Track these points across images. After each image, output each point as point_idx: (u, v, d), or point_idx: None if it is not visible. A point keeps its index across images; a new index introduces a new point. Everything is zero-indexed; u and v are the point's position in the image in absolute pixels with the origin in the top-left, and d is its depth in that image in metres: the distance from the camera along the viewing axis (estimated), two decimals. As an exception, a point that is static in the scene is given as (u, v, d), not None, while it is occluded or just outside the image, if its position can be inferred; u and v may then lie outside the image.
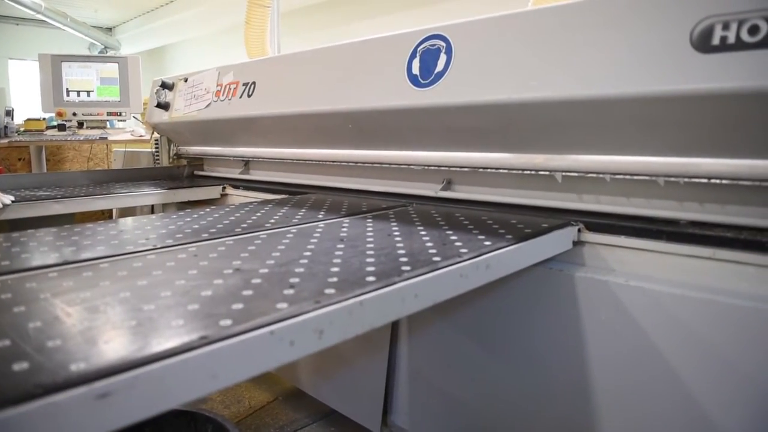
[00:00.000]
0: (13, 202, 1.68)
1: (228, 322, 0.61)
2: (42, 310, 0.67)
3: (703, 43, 0.94)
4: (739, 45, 0.91)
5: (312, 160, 1.93)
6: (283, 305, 0.66)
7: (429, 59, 1.37)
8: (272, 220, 1.30)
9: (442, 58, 1.34)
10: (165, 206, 2.36)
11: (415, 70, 1.39)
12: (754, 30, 0.89)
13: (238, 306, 0.66)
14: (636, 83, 1.02)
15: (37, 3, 6.97)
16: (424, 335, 1.44)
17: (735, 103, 0.94)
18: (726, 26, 0.92)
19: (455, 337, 1.36)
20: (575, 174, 1.24)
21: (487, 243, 1.00)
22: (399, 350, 1.50)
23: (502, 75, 1.22)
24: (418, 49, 1.40)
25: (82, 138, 3.98)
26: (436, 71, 1.35)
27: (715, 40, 0.93)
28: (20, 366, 0.50)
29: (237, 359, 0.58)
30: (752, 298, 0.96)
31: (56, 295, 0.73)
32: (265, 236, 1.12)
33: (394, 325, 1.49)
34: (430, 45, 1.37)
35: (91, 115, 4.25)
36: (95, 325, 0.61)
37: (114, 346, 0.55)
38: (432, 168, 1.54)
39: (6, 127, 4.01)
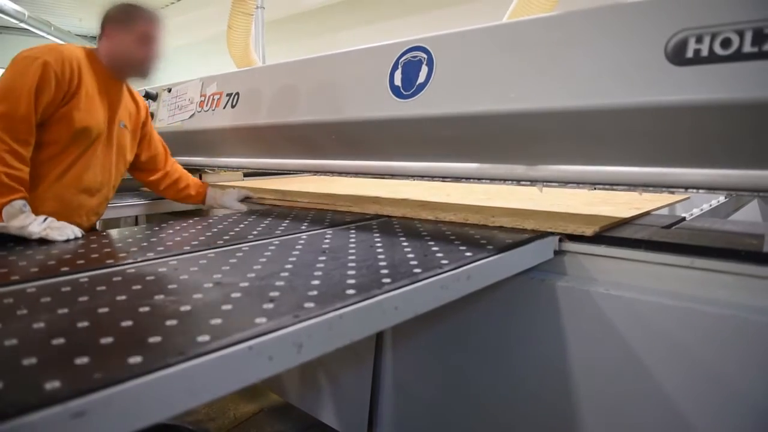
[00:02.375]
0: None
1: (206, 338, 0.61)
2: (18, 326, 0.67)
3: (677, 55, 0.96)
4: (713, 58, 0.92)
5: (296, 170, 1.93)
6: (262, 320, 0.66)
7: (411, 71, 1.38)
8: (255, 232, 1.30)
9: (424, 69, 1.35)
10: (149, 217, 2.35)
11: (398, 81, 1.40)
12: (726, 43, 0.91)
13: (217, 321, 0.66)
14: (613, 95, 1.04)
15: (20, 12, 6.92)
16: (409, 346, 1.44)
17: (709, 114, 0.95)
18: (699, 39, 0.94)
19: (440, 348, 1.37)
20: (556, 184, 1.25)
21: (469, 254, 1.00)
22: (384, 361, 1.49)
23: (483, 86, 1.23)
24: (400, 60, 1.41)
25: (65, 148, 3.94)
26: (418, 83, 1.36)
27: (689, 53, 0.95)
28: (-6, 385, 0.50)
29: (215, 375, 0.58)
30: (730, 306, 0.97)
31: (34, 312, 0.72)
32: (247, 248, 1.12)
33: (379, 336, 1.49)
34: (412, 57, 1.38)
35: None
36: (72, 342, 0.61)
37: (90, 364, 0.55)
38: (415, 178, 1.55)
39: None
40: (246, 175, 2.86)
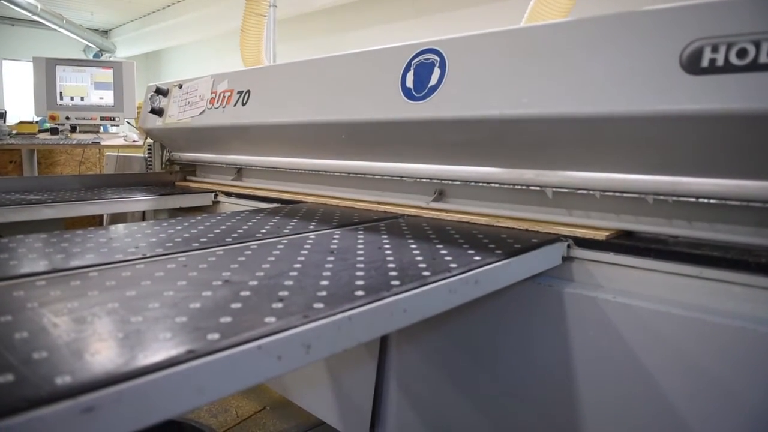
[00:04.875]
0: None
1: (216, 335, 0.61)
2: (29, 320, 0.67)
3: (692, 64, 0.96)
4: (728, 68, 0.92)
5: (305, 170, 1.94)
6: (271, 319, 0.66)
7: (423, 73, 1.38)
8: (263, 230, 1.30)
9: (436, 72, 1.35)
10: (156, 212, 2.36)
11: (409, 83, 1.40)
12: (742, 53, 0.90)
13: (227, 319, 0.66)
14: (626, 102, 1.03)
15: (33, 4, 6.96)
16: (414, 347, 1.44)
17: (723, 124, 0.95)
18: (715, 49, 0.93)
19: (444, 350, 1.36)
20: (565, 190, 1.25)
21: (477, 258, 1.00)
22: (388, 362, 1.49)
23: (495, 90, 1.23)
24: (413, 62, 1.41)
25: (74, 142, 3.97)
26: (429, 85, 1.36)
27: (704, 63, 0.94)
28: (5, 378, 0.50)
29: (224, 373, 0.58)
30: (738, 317, 0.97)
31: (44, 305, 0.73)
32: (255, 247, 1.12)
33: (383, 337, 1.49)
34: (425, 59, 1.38)
35: (84, 119, 4.23)
36: (82, 337, 0.61)
37: (100, 359, 0.55)
38: (423, 180, 1.55)
39: (-2, 129, 3.99)
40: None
